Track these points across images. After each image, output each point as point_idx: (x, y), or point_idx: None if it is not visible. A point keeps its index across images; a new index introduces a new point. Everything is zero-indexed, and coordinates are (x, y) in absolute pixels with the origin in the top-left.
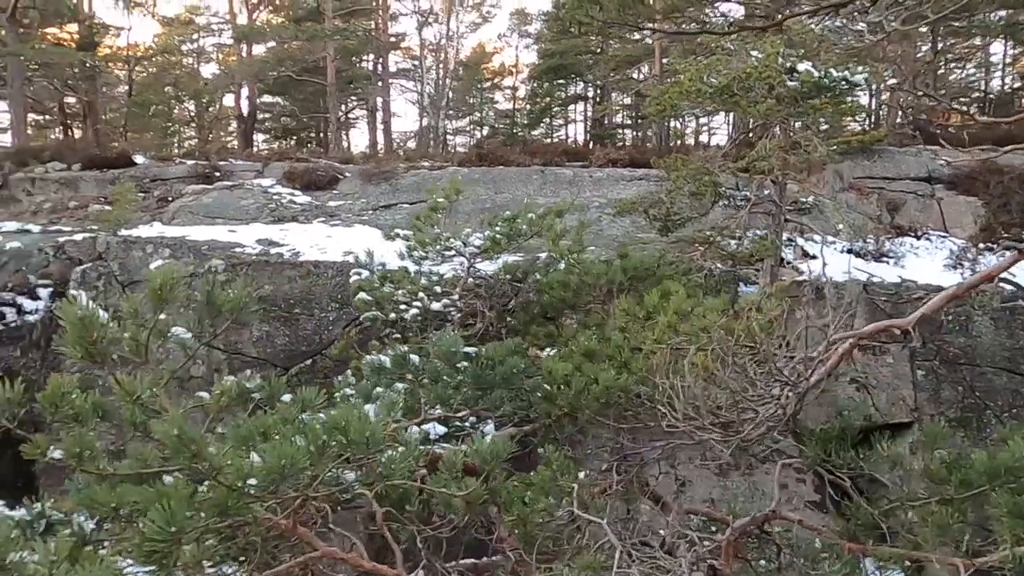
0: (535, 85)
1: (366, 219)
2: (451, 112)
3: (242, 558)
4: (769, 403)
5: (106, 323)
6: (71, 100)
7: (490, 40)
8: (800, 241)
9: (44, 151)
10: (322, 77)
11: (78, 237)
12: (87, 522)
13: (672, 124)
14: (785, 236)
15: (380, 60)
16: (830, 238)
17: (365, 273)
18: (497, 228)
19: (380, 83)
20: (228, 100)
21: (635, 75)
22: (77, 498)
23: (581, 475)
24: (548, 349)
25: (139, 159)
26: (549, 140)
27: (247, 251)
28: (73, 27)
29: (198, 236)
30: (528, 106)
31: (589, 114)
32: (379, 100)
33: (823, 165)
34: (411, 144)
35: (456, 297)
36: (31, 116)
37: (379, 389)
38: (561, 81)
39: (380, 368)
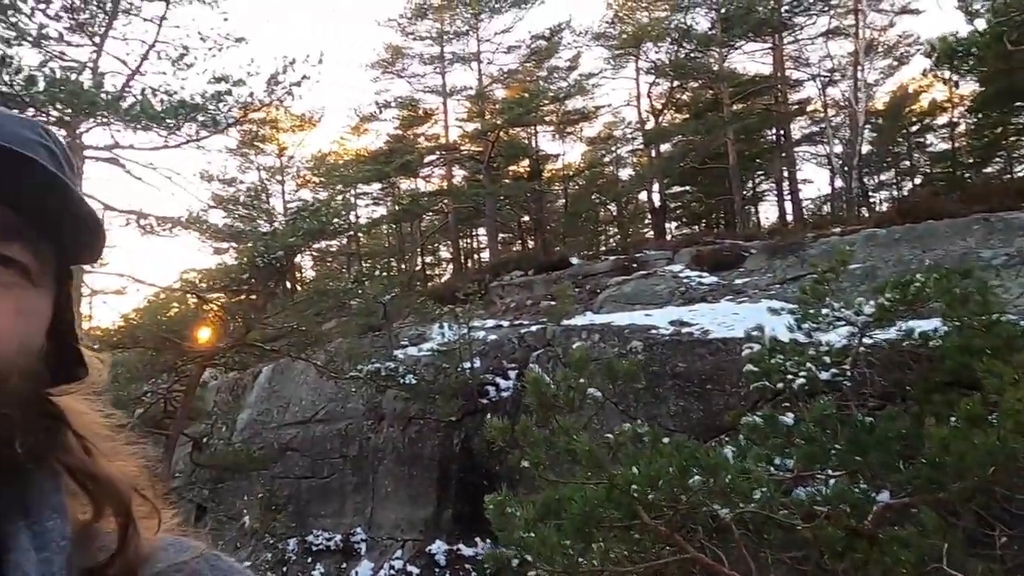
0: (979, 117)
1: (773, 293)
2: (868, 168)
3: (640, 553)
4: None
5: (549, 385)
6: (525, 219)
7: (913, 79)
8: None
9: (509, 262)
10: (724, 161)
11: (534, 328)
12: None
13: None
14: None
15: (782, 131)
16: None
17: (756, 346)
18: (886, 295)
19: (784, 154)
20: (642, 196)
21: None
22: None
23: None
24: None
25: (574, 260)
26: (1009, 177)
27: (661, 332)
28: (525, 162)
29: (620, 321)
30: (973, 142)
31: None
32: (784, 171)
33: None
34: (826, 208)
35: (847, 367)
36: (499, 235)
37: (762, 451)
38: (1019, 104)
39: (754, 427)
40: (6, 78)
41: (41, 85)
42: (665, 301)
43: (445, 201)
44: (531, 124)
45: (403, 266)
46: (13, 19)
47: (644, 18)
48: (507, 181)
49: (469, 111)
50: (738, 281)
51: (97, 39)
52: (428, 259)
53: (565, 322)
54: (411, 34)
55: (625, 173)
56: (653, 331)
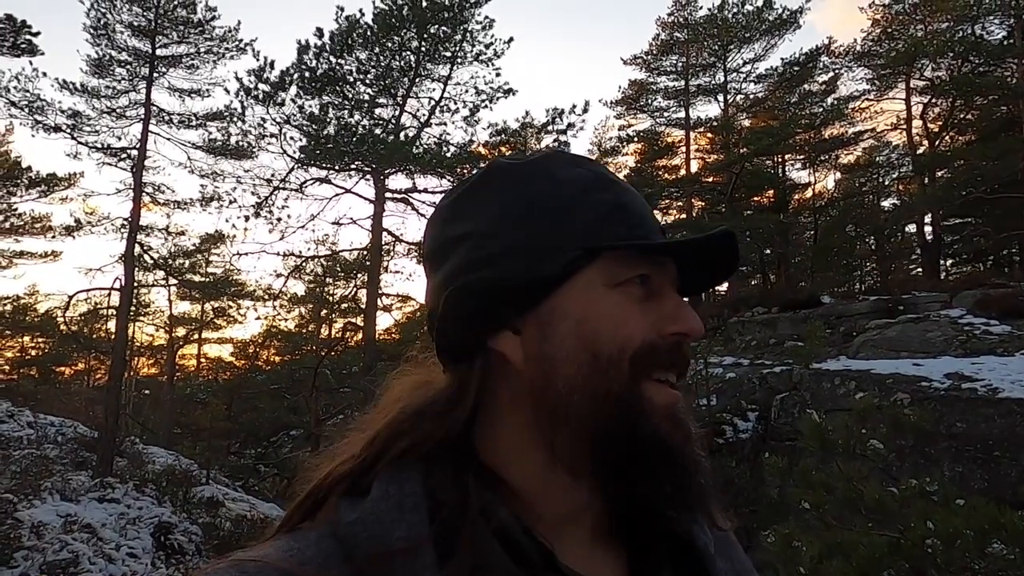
0: None
1: None
2: None
3: None
4: None
5: (830, 431)
6: (767, 252)
7: None
8: None
9: (750, 298)
10: (1021, 188)
11: (777, 370)
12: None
13: None
14: None
15: None
16: None
17: None
18: None
19: None
20: (910, 228)
21: None
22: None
23: None
24: None
25: (825, 299)
26: None
27: (933, 385)
28: (770, 192)
29: (882, 369)
30: None
31: None
32: None
33: None
34: None
35: None
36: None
37: None
38: None
39: None
40: (344, 141)
41: (363, 143)
42: (940, 351)
43: (683, 232)
44: (780, 153)
45: None
46: (348, 92)
47: (919, 32)
48: (749, 212)
49: (712, 142)
50: None
51: (400, 98)
52: None
53: (815, 365)
54: (656, 69)
55: (889, 203)
56: (923, 383)
